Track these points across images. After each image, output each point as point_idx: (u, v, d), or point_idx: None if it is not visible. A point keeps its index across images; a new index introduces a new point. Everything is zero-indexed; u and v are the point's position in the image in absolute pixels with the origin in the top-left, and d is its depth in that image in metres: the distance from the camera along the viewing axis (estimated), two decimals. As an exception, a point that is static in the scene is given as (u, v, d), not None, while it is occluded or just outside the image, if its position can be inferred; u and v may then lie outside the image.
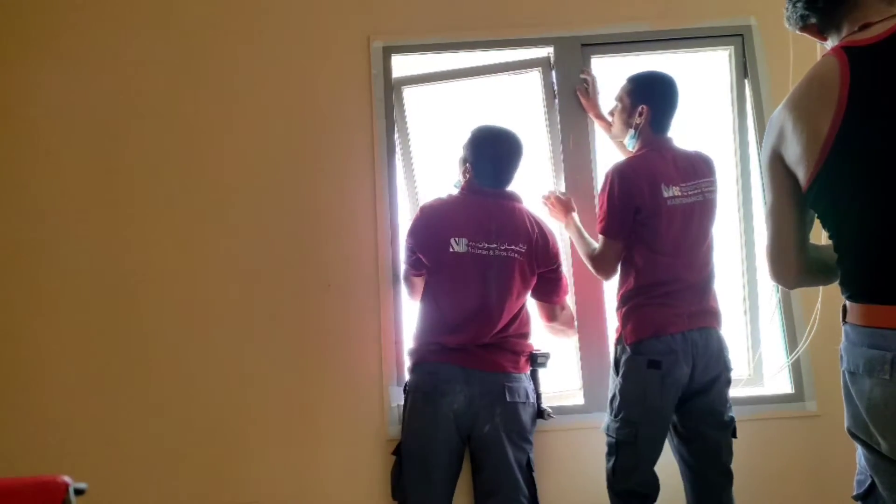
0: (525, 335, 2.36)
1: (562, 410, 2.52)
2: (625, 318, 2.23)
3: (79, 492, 0.97)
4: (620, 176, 2.25)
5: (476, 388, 2.21)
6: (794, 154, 1.37)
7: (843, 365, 1.38)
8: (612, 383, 2.25)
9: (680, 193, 2.25)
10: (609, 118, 2.50)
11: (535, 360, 2.35)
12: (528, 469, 2.25)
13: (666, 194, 2.23)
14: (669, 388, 2.15)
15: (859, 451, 1.39)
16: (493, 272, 2.27)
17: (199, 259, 2.61)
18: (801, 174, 1.37)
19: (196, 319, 2.59)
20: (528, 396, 2.28)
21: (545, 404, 2.38)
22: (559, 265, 2.41)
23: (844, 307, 1.39)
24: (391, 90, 2.73)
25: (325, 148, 2.67)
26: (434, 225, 2.34)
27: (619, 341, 2.25)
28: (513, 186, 2.44)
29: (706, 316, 2.23)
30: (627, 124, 2.38)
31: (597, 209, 2.40)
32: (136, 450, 2.51)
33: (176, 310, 2.59)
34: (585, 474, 2.47)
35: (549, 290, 2.41)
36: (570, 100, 2.70)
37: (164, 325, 2.58)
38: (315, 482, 2.51)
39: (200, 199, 2.65)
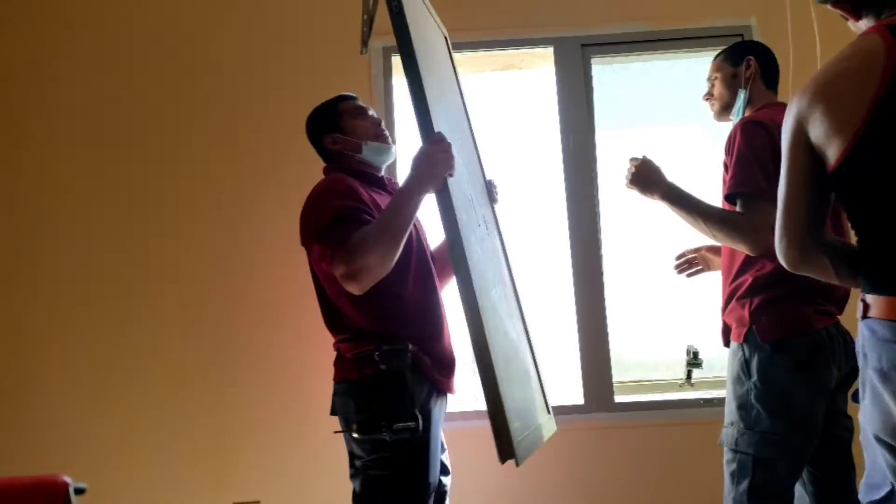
0: (346, 335, 1.79)
1: (562, 410, 2.52)
2: (758, 312, 1.82)
3: (79, 492, 0.97)
4: (756, 124, 1.85)
5: None
6: (822, 132, 1.31)
7: (869, 364, 1.29)
8: (739, 388, 1.84)
9: None
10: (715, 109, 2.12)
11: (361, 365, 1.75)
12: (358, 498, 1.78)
13: None
14: (819, 393, 1.80)
15: (877, 456, 1.31)
16: None
17: (199, 259, 2.62)
18: (831, 153, 1.30)
19: (195, 319, 2.59)
20: (345, 413, 1.79)
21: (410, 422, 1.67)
22: (308, 242, 1.83)
23: (864, 301, 1.32)
24: (391, 90, 2.73)
25: (325, 148, 2.67)
26: None
27: (746, 338, 1.83)
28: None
29: (837, 311, 1.90)
30: (734, 86, 2.03)
31: (726, 172, 1.90)
32: (137, 450, 2.51)
33: (176, 309, 2.59)
34: (585, 474, 2.48)
35: None
36: (571, 100, 2.70)
37: (164, 325, 2.58)
38: (315, 482, 2.51)
39: (200, 200, 2.65)
